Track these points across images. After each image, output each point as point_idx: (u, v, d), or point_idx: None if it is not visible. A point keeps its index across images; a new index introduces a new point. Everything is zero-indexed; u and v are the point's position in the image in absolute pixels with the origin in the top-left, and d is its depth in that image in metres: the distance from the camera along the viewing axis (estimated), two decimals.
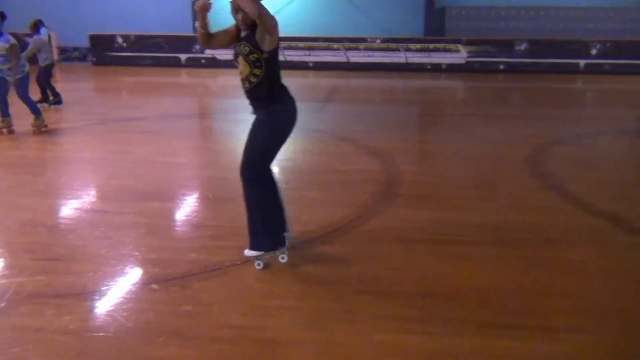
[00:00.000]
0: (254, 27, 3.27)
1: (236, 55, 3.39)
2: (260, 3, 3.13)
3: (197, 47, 17.39)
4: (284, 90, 3.53)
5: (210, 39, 3.50)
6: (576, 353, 2.74)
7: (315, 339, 2.84)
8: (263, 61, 3.30)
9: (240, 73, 3.39)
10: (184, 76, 16.02)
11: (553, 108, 10.88)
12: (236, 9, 3.25)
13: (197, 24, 3.34)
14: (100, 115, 9.46)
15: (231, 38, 3.45)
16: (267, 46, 3.27)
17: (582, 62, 16.39)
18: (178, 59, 17.59)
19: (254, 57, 3.29)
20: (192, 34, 18.01)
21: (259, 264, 3.61)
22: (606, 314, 3.12)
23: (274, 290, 3.35)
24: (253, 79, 3.36)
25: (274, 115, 3.48)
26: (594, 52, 16.36)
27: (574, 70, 16.26)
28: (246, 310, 3.10)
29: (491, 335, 2.87)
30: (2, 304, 3.15)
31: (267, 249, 3.58)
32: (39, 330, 2.89)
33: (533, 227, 4.41)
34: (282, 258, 3.65)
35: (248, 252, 3.62)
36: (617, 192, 5.42)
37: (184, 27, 18.12)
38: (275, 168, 6.20)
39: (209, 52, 17.38)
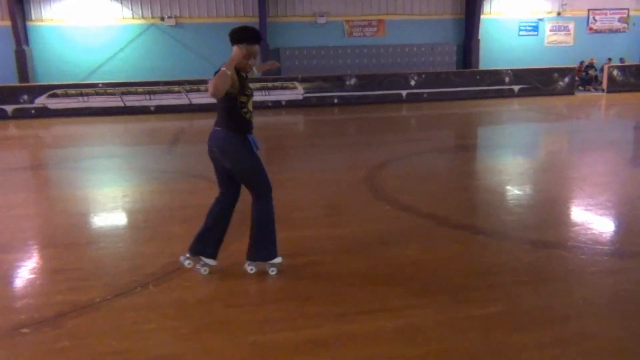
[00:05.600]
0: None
1: (251, 93, 4.00)
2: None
3: (25, 97, 16.43)
4: None
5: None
6: (414, 324, 3.35)
7: (195, 349, 3.12)
8: None
9: (250, 106, 3.96)
10: (12, 128, 15.04)
11: (383, 134, 12.17)
12: (251, 56, 3.84)
13: (226, 68, 3.57)
14: None
15: (230, 84, 3.70)
16: None
17: (404, 92, 18.41)
18: (3, 110, 16.46)
19: None
20: (18, 84, 17.01)
21: (273, 270, 4.13)
22: (435, 292, 3.81)
23: (149, 315, 3.55)
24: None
25: None
26: (412, 82, 18.47)
27: (398, 99, 18.22)
28: (124, 336, 3.28)
29: (346, 321, 3.39)
30: None
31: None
32: None
33: (372, 233, 5.10)
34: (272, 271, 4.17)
35: (276, 261, 4.14)
36: (439, 197, 6.41)
37: (7, 77, 17.06)
38: (122, 210, 6.30)
39: (38, 102, 16.52)
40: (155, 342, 3.22)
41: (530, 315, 3.45)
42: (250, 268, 4.17)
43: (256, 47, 3.88)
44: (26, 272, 4.49)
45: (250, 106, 3.96)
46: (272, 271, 4.14)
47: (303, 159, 9.32)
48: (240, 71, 3.87)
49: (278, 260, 4.16)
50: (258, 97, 17.05)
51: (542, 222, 5.48)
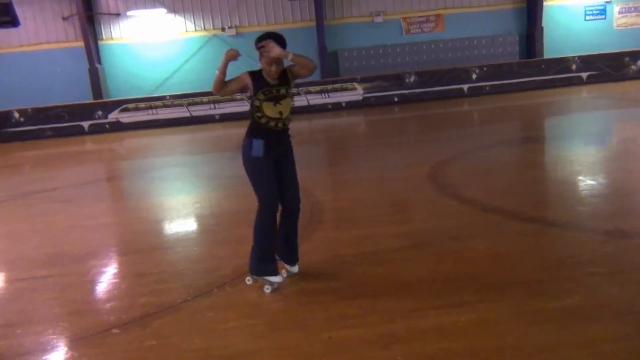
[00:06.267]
0: (284, 74, 3.88)
1: (279, 98, 3.84)
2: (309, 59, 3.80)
3: (100, 112, 17.34)
4: None
5: (225, 86, 3.80)
6: (487, 317, 3.33)
7: (272, 346, 3.25)
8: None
9: (280, 113, 3.86)
10: (89, 143, 15.89)
11: (445, 130, 12.02)
12: (272, 62, 3.73)
13: (218, 71, 3.69)
14: (11, 191, 9.34)
15: (242, 86, 3.83)
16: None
17: (465, 87, 18.07)
18: (81, 127, 17.42)
19: (293, 97, 3.88)
20: (93, 101, 17.97)
21: (267, 288, 4.00)
22: (508, 285, 3.77)
23: (227, 315, 3.72)
24: (290, 115, 3.96)
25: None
26: (474, 76, 18.10)
27: (459, 94, 17.90)
28: (205, 335, 3.45)
29: (419, 316, 3.42)
30: None
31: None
32: None
33: (439, 229, 5.09)
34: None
35: (271, 278, 4.00)
36: (507, 191, 6.30)
37: (82, 95, 18.05)
38: (195, 215, 6.54)
39: (112, 117, 17.39)
40: (234, 340, 3.37)
41: (609, 306, 3.36)
42: (247, 279, 4.15)
43: None
44: (112, 276, 4.80)
45: (266, 111, 3.82)
46: (267, 289, 3.97)
47: (366, 159, 9.36)
48: (265, 77, 3.84)
49: (274, 279, 3.97)
50: (318, 100, 17.21)
51: (619, 212, 5.28)
